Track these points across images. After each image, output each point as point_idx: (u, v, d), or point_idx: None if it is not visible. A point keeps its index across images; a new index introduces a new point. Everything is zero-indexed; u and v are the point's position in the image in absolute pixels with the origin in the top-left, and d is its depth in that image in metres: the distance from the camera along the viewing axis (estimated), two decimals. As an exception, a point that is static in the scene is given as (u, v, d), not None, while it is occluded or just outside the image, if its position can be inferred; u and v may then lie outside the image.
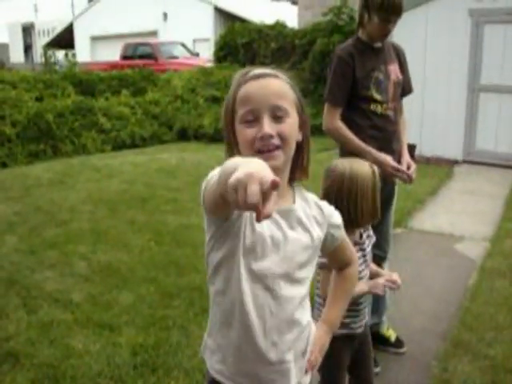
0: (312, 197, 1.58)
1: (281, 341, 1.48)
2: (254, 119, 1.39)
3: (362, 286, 2.19)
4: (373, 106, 2.92)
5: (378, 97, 2.91)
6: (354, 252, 1.78)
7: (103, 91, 11.91)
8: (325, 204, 1.60)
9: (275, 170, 1.34)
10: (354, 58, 2.88)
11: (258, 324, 1.44)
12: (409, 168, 2.95)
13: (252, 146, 1.38)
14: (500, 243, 5.15)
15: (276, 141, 1.38)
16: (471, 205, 6.61)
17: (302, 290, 1.52)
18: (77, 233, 5.24)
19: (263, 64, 14.33)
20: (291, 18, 17.12)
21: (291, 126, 1.42)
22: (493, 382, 2.96)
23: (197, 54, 19.82)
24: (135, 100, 11.56)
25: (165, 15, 26.18)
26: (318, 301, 2.25)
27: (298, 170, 1.52)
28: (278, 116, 1.39)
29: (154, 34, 25.53)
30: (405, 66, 3.15)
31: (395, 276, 2.26)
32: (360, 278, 2.17)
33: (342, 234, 1.65)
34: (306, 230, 1.50)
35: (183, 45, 19.79)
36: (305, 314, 1.57)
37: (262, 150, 1.38)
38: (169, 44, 19.26)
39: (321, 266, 2.13)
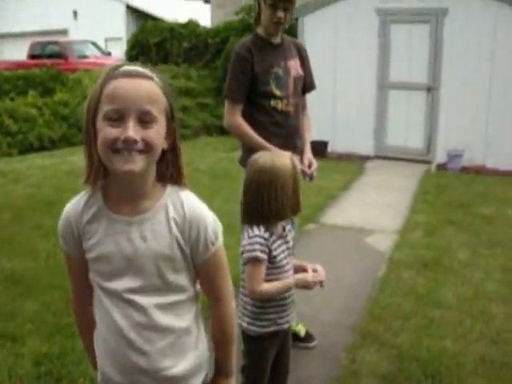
0: (187, 200, 1.48)
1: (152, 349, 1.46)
2: (118, 118, 1.31)
3: (289, 281, 2.18)
4: (273, 102, 2.92)
5: (277, 92, 2.92)
6: (228, 290, 1.58)
7: (8, 91, 11.42)
8: (196, 208, 1.48)
9: (131, 173, 1.32)
10: (252, 54, 2.88)
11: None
12: (310, 166, 2.96)
13: (112, 145, 1.31)
14: (408, 235, 5.32)
15: (140, 146, 1.32)
16: (382, 199, 6.80)
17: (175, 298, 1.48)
18: (-22, 241, 4.97)
19: (176, 63, 14.22)
20: (204, 16, 17.07)
21: (157, 132, 1.36)
22: (399, 370, 3.04)
23: (108, 54, 19.36)
24: (43, 101, 11.12)
25: (75, 13, 25.42)
26: (243, 299, 2.22)
27: (169, 175, 1.48)
28: (144, 121, 1.33)
29: (64, 32, 24.72)
30: (306, 63, 3.16)
31: (319, 267, 2.24)
32: (285, 271, 2.18)
33: (212, 252, 1.49)
34: (164, 236, 1.43)
35: (94, 44, 19.26)
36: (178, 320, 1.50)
37: (120, 149, 1.31)
38: (79, 43, 18.67)
39: (244, 263, 2.13)
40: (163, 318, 1.45)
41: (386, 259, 4.74)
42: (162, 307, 1.45)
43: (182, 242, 1.44)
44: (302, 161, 2.96)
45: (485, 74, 8.15)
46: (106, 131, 1.31)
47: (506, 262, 4.61)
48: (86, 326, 1.58)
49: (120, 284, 1.42)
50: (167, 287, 1.45)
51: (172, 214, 1.44)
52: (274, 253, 2.14)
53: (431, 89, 8.62)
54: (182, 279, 1.47)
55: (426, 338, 3.36)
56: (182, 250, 1.44)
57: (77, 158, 8.87)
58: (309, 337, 3.30)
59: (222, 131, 11.11)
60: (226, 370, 1.61)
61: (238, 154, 3.22)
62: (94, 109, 1.35)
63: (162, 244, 1.42)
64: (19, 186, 6.98)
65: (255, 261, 2.09)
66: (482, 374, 3.01)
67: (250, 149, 2.81)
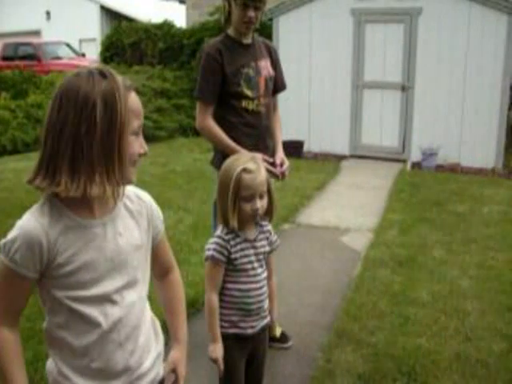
0: (132, 190, 1.54)
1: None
2: (138, 133, 1.42)
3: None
4: (244, 103, 2.93)
5: (248, 93, 2.92)
6: (173, 257, 1.71)
7: (-20, 94, 11.22)
8: (145, 194, 1.59)
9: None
10: (222, 54, 2.88)
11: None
12: (282, 165, 2.97)
13: (135, 158, 1.42)
14: (383, 234, 5.35)
15: None
16: (357, 198, 6.83)
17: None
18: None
19: (151, 64, 14.12)
20: (179, 17, 16.99)
21: None
22: (375, 369, 3.05)
23: (83, 55, 19.16)
24: (16, 103, 10.94)
25: (48, 14, 25.14)
26: None
27: None
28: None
29: (37, 33, 24.42)
30: (277, 63, 3.17)
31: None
32: (247, 276, 2.17)
33: (163, 228, 1.63)
34: (133, 228, 1.50)
35: (68, 45, 19.03)
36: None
37: (135, 162, 1.42)
38: (52, 44, 18.42)
39: (205, 258, 2.15)
40: (146, 311, 1.57)
41: (362, 258, 4.76)
42: (143, 300, 1.54)
43: (145, 229, 1.53)
44: (274, 160, 2.96)
45: (458, 73, 8.24)
46: (135, 146, 1.40)
47: (481, 259, 4.65)
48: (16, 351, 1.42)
49: (107, 286, 1.42)
50: (144, 278, 1.53)
51: (131, 205, 1.51)
52: (235, 255, 2.13)
53: (405, 88, 8.68)
54: (149, 268, 1.56)
55: (402, 337, 3.37)
56: (147, 237, 1.54)
57: (51, 160, 8.77)
58: (284, 337, 3.29)
59: (198, 132, 11.04)
60: (179, 338, 1.70)
61: (211, 155, 3.21)
62: (122, 123, 1.34)
63: (134, 236, 1.49)
64: (-9, 189, 6.86)
65: (211, 259, 2.13)
66: (457, 370, 3.03)
67: (221, 150, 2.80)
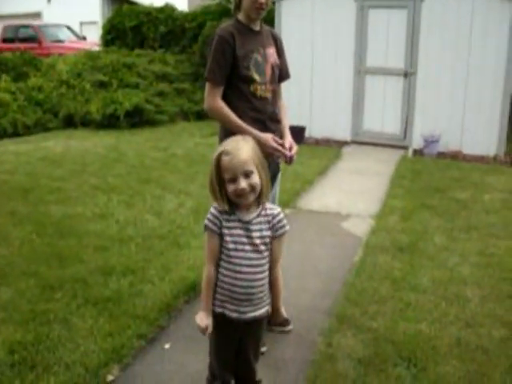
0: None
1: None
2: None
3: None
4: (252, 88, 2.96)
5: (257, 77, 2.96)
6: None
7: (-20, 76, 11.18)
8: None
9: None
10: (234, 38, 2.91)
11: None
12: (291, 149, 2.98)
13: None
14: (384, 220, 5.34)
15: None
16: (358, 184, 6.82)
17: None
18: (-51, 228, 4.87)
19: (153, 48, 14.05)
20: (181, 0, 16.87)
21: None
22: (375, 353, 3.05)
23: (84, 38, 19.07)
24: (16, 86, 10.92)
25: (48, -4, 24.99)
26: None
27: None
28: None
29: (37, 15, 24.27)
30: (282, 53, 3.22)
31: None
32: (230, 256, 2.16)
33: None
34: None
35: (69, 28, 18.95)
36: None
37: None
38: (53, 27, 18.33)
39: (204, 229, 2.19)
40: None
41: (363, 244, 4.76)
42: None
43: None
44: (283, 144, 2.98)
45: (462, 60, 8.19)
46: None
47: (482, 246, 4.65)
48: None
49: None
50: None
51: None
52: (224, 231, 2.15)
53: (408, 74, 8.64)
54: None
55: (402, 322, 3.38)
56: None
57: (51, 143, 8.76)
58: (285, 321, 3.30)
59: (199, 116, 11.03)
60: None
61: (212, 139, 3.24)
62: None
63: None
64: (-8, 172, 6.85)
65: (205, 229, 2.18)
66: (457, 356, 3.04)
67: (227, 134, 2.80)
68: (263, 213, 2.19)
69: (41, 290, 3.73)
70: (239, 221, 2.15)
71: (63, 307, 3.48)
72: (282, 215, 2.23)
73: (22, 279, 3.87)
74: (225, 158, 2.07)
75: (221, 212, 2.15)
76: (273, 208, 2.23)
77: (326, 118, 9.24)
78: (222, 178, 2.10)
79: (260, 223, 2.17)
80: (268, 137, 2.88)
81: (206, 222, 2.16)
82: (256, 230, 2.16)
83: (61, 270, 4.01)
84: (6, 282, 3.85)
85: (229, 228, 2.14)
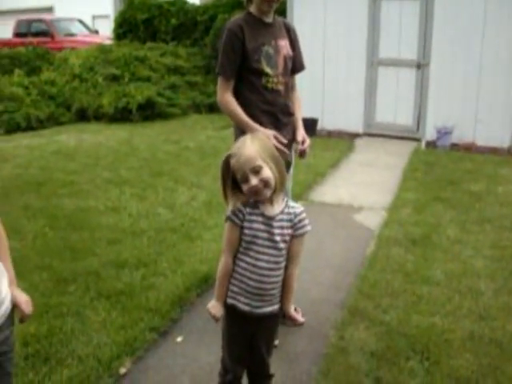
0: None
1: None
2: None
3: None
4: (263, 80, 2.96)
5: (268, 70, 2.95)
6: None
7: (-6, 71, 11.27)
8: None
9: None
10: (243, 31, 2.90)
11: None
12: (303, 143, 2.97)
13: None
14: (397, 212, 5.32)
15: None
16: (371, 176, 6.79)
17: None
18: (-36, 221, 4.91)
19: (165, 41, 14.04)
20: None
21: None
22: (388, 347, 3.04)
23: (96, 32, 19.10)
24: (29, 80, 10.99)
25: (60, -10, 25.01)
26: None
27: None
28: None
29: (49, 10, 24.33)
30: (295, 44, 3.19)
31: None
32: (250, 249, 2.16)
33: None
34: None
35: (81, 21, 18.99)
36: None
37: None
38: (66, 21, 18.37)
39: (225, 220, 2.18)
40: None
41: (375, 236, 4.74)
42: None
43: None
44: (295, 137, 2.98)
45: (475, 51, 8.10)
46: None
47: (495, 239, 4.62)
48: None
49: None
50: None
51: None
52: (245, 223, 2.13)
53: (421, 65, 8.57)
54: None
55: (415, 315, 3.36)
56: None
57: (64, 137, 8.81)
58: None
59: (211, 109, 11.03)
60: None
61: (224, 132, 3.24)
62: None
63: None
64: (6, 166, 6.90)
65: (227, 219, 2.16)
66: (470, 349, 3.02)
67: (236, 125, 2.82)
68: (286, 210, 2.16)
69: (54, 283, 3.76)
70: (262, 215, 2.13)
71: (76, 300, 3.50)
72: (304, 214, 2.18)
73: (36, 272, 3.90)
74: (232, 160, 2.08)
75: (245, 205, 2.14)
76: (295, 206, 2.19)
77: (339, 109, 9.20)
78: (236, 181, 2.11)
79: (282, 220, 2.14)
80: (269, 134, 2.84)
81: (229, 213, 2.15)
82: (277, 227, 2.14)
83: (74, 263, 4.04)
84: (19, 275, 3.81)
85: (250, 221, 2.13)
